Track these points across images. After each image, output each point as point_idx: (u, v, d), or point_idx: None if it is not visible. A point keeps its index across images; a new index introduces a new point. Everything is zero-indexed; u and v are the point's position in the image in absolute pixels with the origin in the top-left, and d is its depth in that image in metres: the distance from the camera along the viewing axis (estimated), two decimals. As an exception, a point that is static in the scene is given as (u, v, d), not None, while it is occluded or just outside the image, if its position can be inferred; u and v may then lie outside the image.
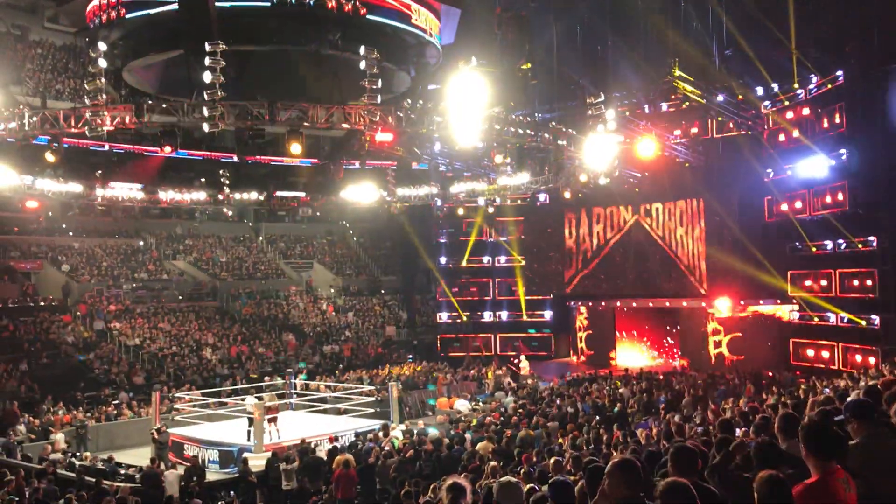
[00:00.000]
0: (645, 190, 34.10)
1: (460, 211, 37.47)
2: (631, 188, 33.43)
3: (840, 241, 27.66)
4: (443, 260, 41.18)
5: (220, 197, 29.81)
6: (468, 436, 19.38)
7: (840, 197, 27.39)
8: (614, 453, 11.52)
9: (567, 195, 31.55)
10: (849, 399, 6.62)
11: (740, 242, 31.45)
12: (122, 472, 18.91)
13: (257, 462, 19.06)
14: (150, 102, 20.02)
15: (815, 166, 28.05)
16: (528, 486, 7.08)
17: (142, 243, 41.63)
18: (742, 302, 32.54)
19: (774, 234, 30.34)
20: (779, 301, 31.35)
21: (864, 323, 26.84)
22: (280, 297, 42.03)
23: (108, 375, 30.23)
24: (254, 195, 30.81)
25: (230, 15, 21.38)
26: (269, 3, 22.34)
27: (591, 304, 38.32)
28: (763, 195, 31.05)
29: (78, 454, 21.36)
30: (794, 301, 30.60)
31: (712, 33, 28.48)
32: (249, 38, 22.20)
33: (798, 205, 29.33)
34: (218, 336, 35.90)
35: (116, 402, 27.35)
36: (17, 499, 16.50)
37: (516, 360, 34.49)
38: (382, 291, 46.31)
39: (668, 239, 35.49)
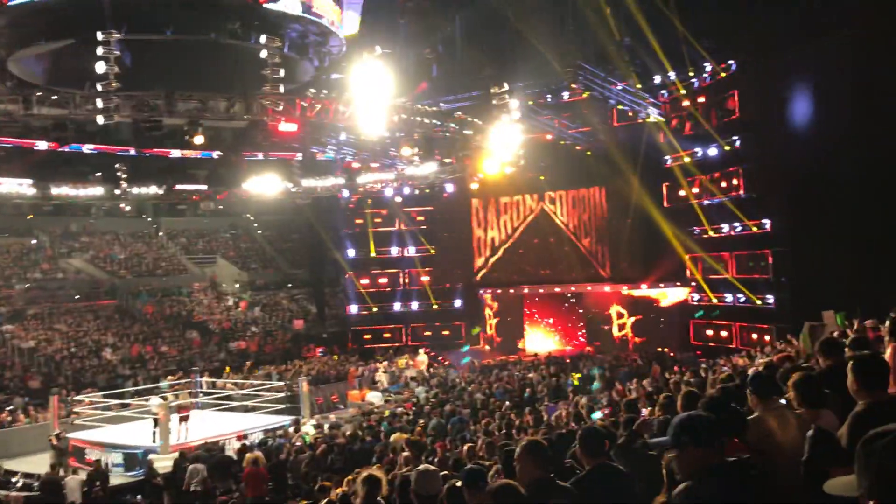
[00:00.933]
0: (549, 178, 34.69)
1: (368, 201, 37.27)
2: (536, 177, 33.93)
3: (736, 224, 28.78)
4: (351, 252, 40.79)
5: (117, 192, 28.75)
6: (382, 427, 19.36)
7: (735, 182, 28.51)
8: (524, 437, 11.69)
9: (474, 185, 31.80)
10: (749, 374, 6.89)
11: (641, 228, 32.44)
12: (18, 481, 18.07)
13: (164, 464, 18.54)
14: (39, 94, 19.10)
15: (711, 152, 29.12)
16: (442, 473, 7.10)
17: (34, 241, 39.84)
18: (644, 286, 33.54)
19: (674, 218, 31.31)
20: (679, 283, 32.46)
21: (759, 302, 28.04)
22: (183, 294, 40.95)
23: (1, 381, 28.85)
24: (153, 189, 29.83)
25: (124, 3, 20.55)
26: (165, -9, 21.58)
27: (499, 291, 38.78)
28: (662, 181, 32.04)
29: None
30: (694, 283, 31.72)
31: (611, 23, 29.08)
32: (145, 27, 21.37)
33: (696, 190, 30.40)
34: (118, 336, 34.72)
35: (11, 408, 26.14)
36: None
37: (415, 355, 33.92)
38: (290, 285, 45.68)
39: (572, 226, 36.24)
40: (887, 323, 7.39)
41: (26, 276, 36.96)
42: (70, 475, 17.94)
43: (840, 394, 4.21)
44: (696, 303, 31.79)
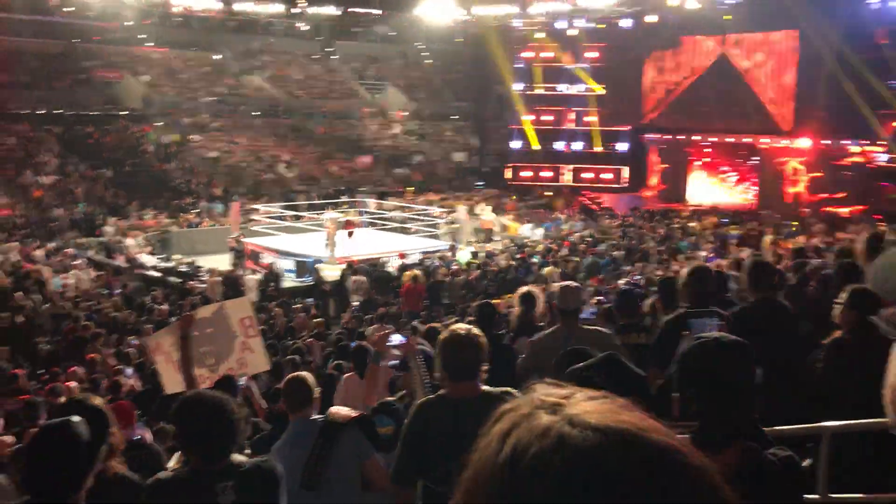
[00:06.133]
0: (736, 18, 32.17)
1: (540, 34, 36.14)
2: (721, 15, 31.58)
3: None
4: (517, 86, 39.96)
5: (295, 10, 29.29)
6: (535, 260, 19.72)
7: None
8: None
9: (652, 20, 30.04)
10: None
11: (833, 78, 29.72)
12: (205, 274, 19.87)
13: (331, 273, 19.79)
14: None
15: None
16: (596, 299, 7.21)
17: (219, 56, 41.52)
18: (828, 142, 31.17)
19: (870, 69, 28.46)
20: (868, 141, 29.95)
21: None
22: (353, 118, 42.02)
23: (189, 185, 31.24)
24: (330, 9, 30.18)
25: None
26: None
27: (667, 137, 37.25)
28: (865, 27, 28.93)
29: (165, 256, 22.51)
30: (884, 142, 29.21)
31: None
32: None
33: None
34: (293, 153, 36.49)
35: (197, 210, 28.37)
36: (106, 292, 17.66)
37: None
38: (455, 117, 45.80)
39: (755, 72, 33.84)
40: None
41: (212, 90, 38.89)
42: (248, 274, 19.57)
43: None
44: (883, 164, 29.39)
